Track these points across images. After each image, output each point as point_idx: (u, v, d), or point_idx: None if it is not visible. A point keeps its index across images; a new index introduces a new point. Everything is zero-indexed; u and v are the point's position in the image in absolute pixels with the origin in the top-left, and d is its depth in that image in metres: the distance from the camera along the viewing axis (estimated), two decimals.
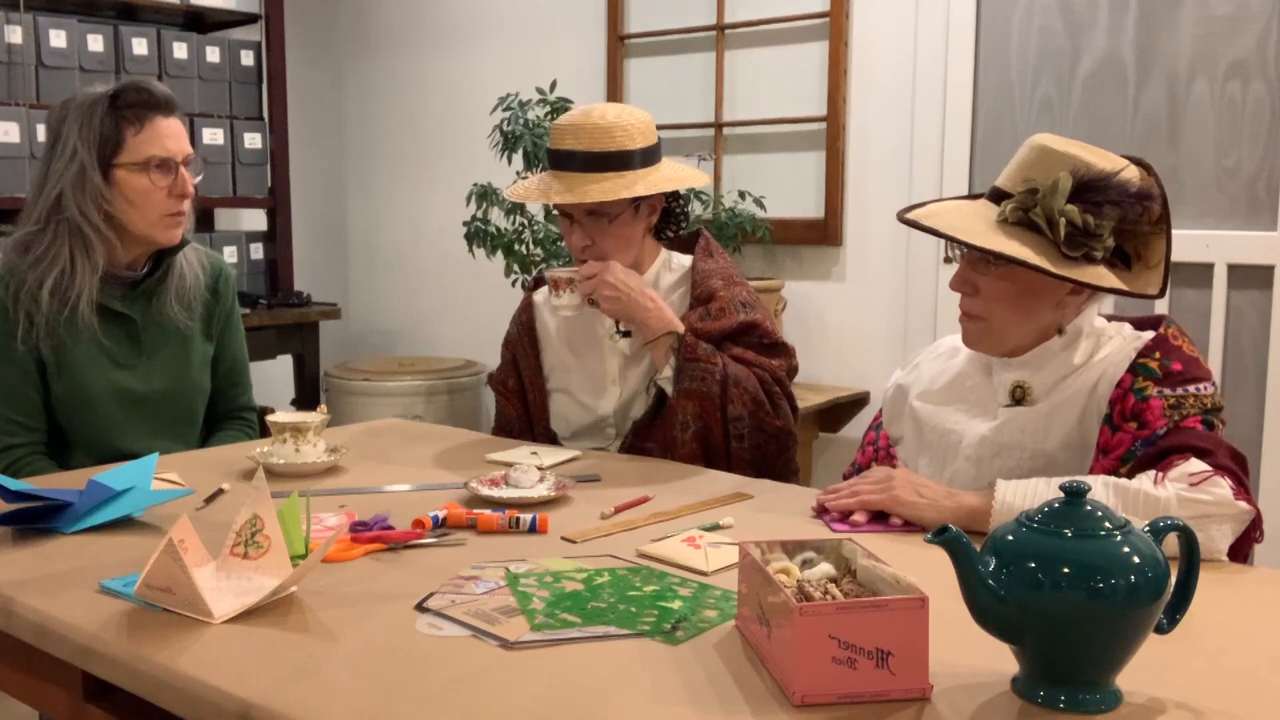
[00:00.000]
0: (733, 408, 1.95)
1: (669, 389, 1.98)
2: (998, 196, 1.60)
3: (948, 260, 3.31)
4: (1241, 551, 1.47)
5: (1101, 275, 1.52)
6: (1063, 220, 1.50)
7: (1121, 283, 1.54)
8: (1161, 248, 1.56)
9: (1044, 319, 1.60)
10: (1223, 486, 1.42)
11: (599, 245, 2.00)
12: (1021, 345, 1.62)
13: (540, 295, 2.24)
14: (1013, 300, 1.58)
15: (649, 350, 2.01)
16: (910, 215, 1.62)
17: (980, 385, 1.70)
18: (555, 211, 2.15)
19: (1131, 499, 1.41)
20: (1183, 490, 1.41)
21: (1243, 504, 1.42)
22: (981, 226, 1.55)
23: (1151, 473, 1.45)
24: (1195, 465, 1.44)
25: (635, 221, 2.03)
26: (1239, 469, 1.47)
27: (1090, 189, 1.51)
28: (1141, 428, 1.50)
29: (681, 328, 1.98)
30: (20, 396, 2.00)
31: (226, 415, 2.25)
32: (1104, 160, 1.55)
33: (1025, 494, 1.47)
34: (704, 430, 1.97)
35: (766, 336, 2.03)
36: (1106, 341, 1.61)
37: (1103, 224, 1.51)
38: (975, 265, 1.60)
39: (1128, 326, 1.64)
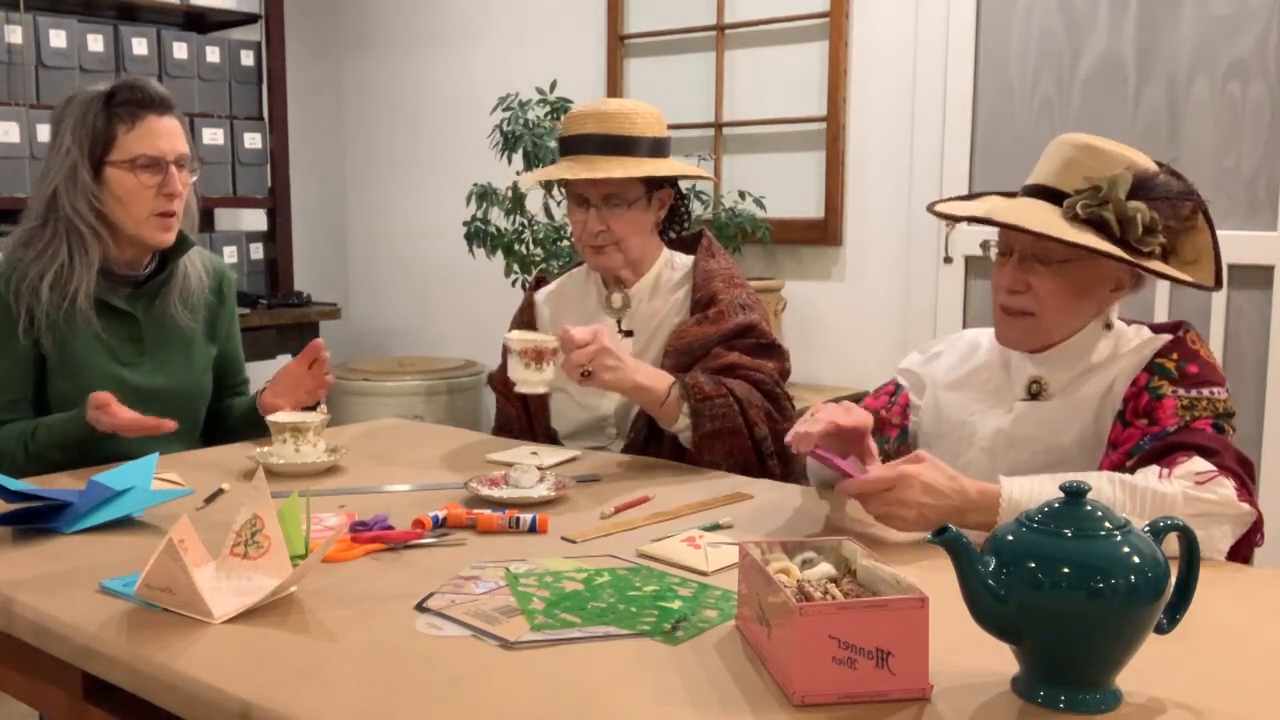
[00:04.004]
0: (758, 429, 1.93)
1: (687, 438, 1.92)
2: (1049, 195, 1.59)
3: (948, 260, 3.32)
4: (1241, 554, 1.47)
5: (1170, 269, 1.55)
6: (1137, 216, 1.52)
7: (1189, 277, 1.56)
8: (1196, 242, 1.58)
9: (1087, 316, 1.63)
10: (1227, 487, 1.42)
11: (614, 230, 2.02)
12: (1059, 340, 1.64)
13: (541, 295, 2.25)
14: (1066, 296, 1.60)
15: (658, 413, 1.92)
16: (969, 211, 1.63)
17: (997, 378, 1.71)
18: (565, 208, 2.14)
19: (1139, 496, 1.41)
20: (1188, 488, 1.42)
21: (1246, 506, 1.42)
22: (1052, 221, 1.55)
23: (1155, 468, 1.46)
24: (1200, 464, 1.44)
25: (648, 211, 2.06)
26: (1244, 473, 1.48)
27: (1144, 187, 1.54)
28: (1152, 424, 1.52)
29: (671, 377, 1.91)
30: (22, 383, 2.01)
31: (230, 394, 2.27)
32: (1146, 160, 1.58)
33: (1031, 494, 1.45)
34: (740, 468, 1.91)
35: (763, 338, 2.03)
36: (1125, 343, 1.63)
37: (1161, 220, 1.54)
38: (1026, 262, 1.61)
39: (1146, 329, 1.66)
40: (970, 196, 1.79)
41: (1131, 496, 1.41)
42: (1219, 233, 1.59)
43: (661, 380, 1.90)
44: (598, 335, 1.80)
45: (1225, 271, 1.59)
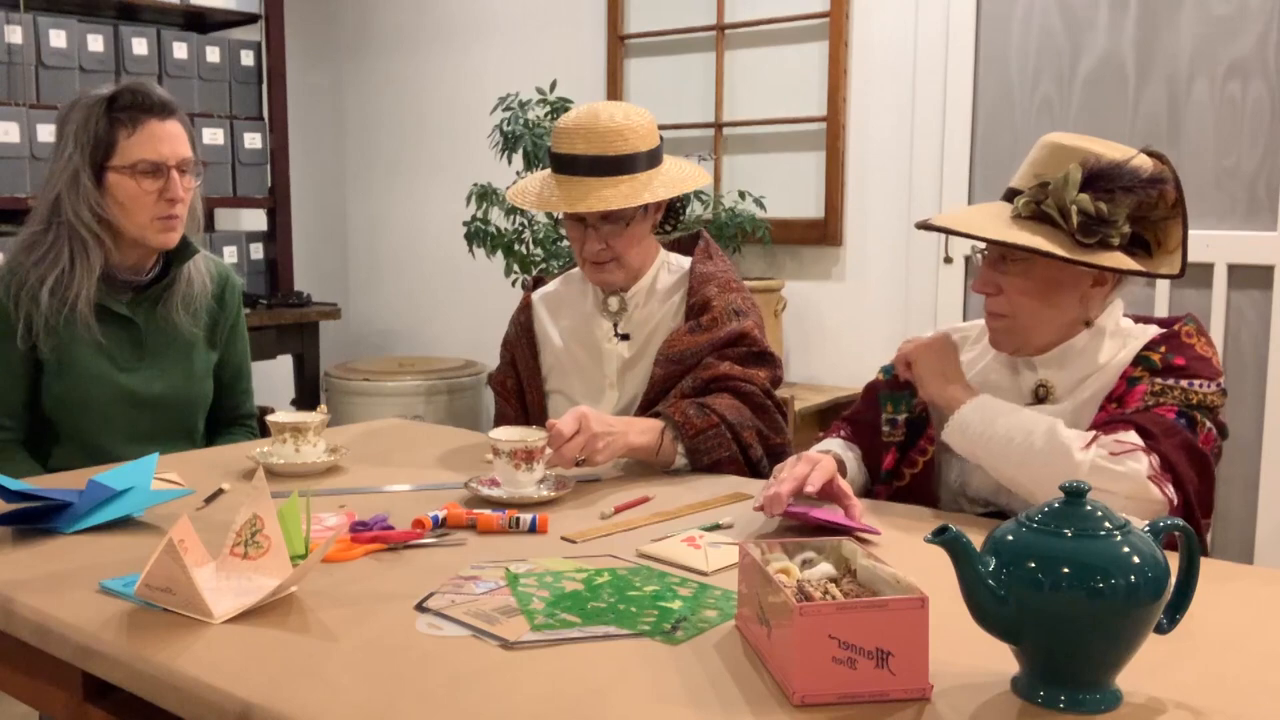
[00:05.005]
0: (753, 450, 1.92)
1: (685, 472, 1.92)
2: (1012, 196, 1.61)
3: (948, 260, 3.32)
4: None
5: (1119, 260, 1.53)
6: (1074, 209, 1.51)
7: (1139, 266, 1.54)
8: (1180, 233, 1.57)
9: (1069, 313, 1.61)
10: (1141, 462, 1.42)
11: (614, 247, 2.00)
12: (1048, 342, 1.63)
13: (538, 296, 2.24)
14: (1035, 295, 1.59)
15: (655, 461, 1.90)
16: (928, 220, 1.65)
17: (1004, 380, 1.71)
18: (561, 216, 2.12)
19: (1044, 450, 1.47)
20: (1100, 458, 1.42)
21: (1154, 488, 1.42)
22: (996, 223, 1.57)
23: (1089, 434, 1.47)
24: (1130, 437, 1.44)
25: (645, 220, 2.04)
26: (1184, 466, 1.46)
27: (1102, 178, 1.53)
28: (1119, 407, 1.52)
29: (657, 422, 1.90)
30: (13, 392, 2.01)
31: (229, 421, 2.26)
32: (1115, 151, 1.56)
33: (987, 418, 1.56)
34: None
35: (755, 345, 2.01)
36: (1132, 343, 1.62)
37: (1116, 211, 1.52)
38: (995, 265, 1.62)
39: (1154, 327, 1.65)
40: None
41: (1047, 447, 1.47)
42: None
43: (652, 431, 1.88)
44: (583, 422, 1.76)
45: (1186, 259, 1.58)
